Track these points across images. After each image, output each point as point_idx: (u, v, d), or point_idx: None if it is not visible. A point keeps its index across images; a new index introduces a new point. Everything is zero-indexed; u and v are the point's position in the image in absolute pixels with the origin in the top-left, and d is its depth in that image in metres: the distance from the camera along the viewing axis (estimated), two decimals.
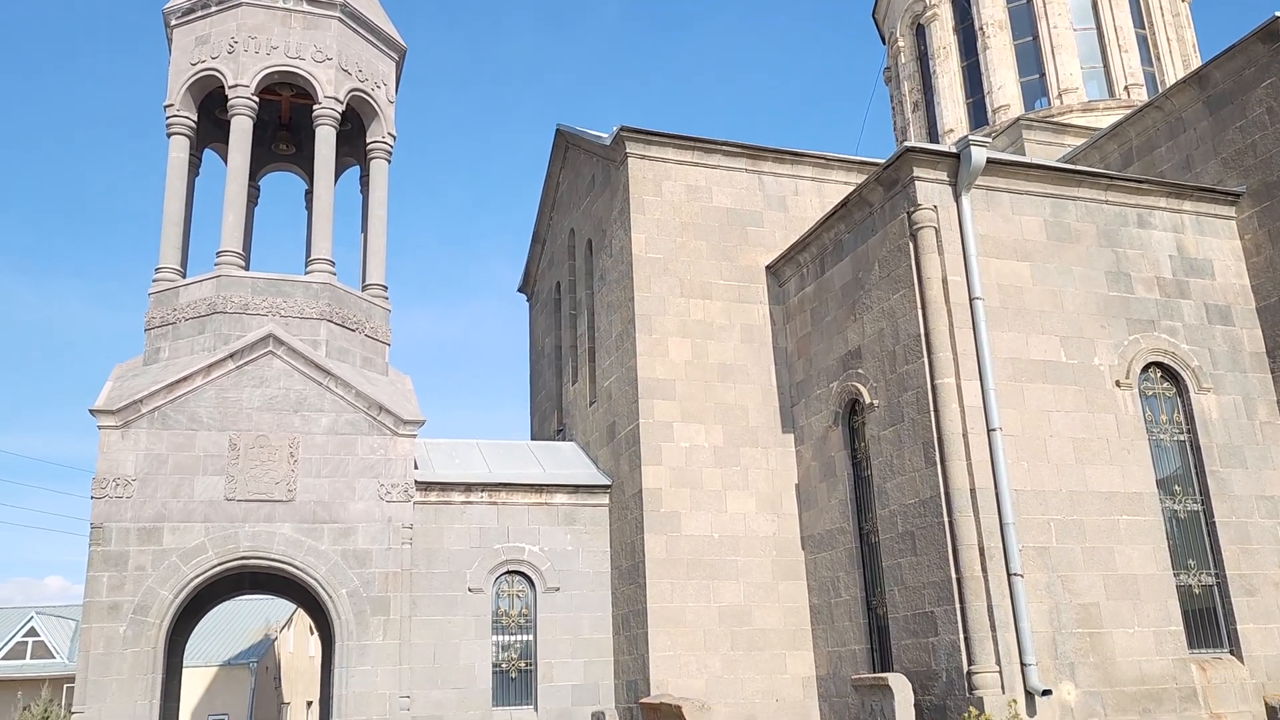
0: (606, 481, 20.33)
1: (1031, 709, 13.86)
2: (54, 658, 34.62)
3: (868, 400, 16.88)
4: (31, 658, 34.64)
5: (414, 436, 19.45)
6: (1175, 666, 14.90)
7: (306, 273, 20.42)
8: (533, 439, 26.55)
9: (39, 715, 22.87)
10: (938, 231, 15.78)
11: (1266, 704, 15.02)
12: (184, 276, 20.15)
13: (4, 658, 34.56)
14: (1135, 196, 17.36)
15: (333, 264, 20.49)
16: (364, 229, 22.28)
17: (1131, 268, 16.93)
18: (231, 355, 18.67)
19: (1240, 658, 15.35)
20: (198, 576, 17.66)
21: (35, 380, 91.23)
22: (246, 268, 20.51)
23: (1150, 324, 16.67)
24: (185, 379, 18.33)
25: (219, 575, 18.29)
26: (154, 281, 19.88)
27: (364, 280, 21.71)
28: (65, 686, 30.01)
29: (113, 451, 17.80)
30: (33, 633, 35.32)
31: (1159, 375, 16.71)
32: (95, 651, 16.86)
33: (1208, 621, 15.66)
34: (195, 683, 33.93)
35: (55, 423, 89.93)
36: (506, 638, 19.58)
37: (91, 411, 17.84)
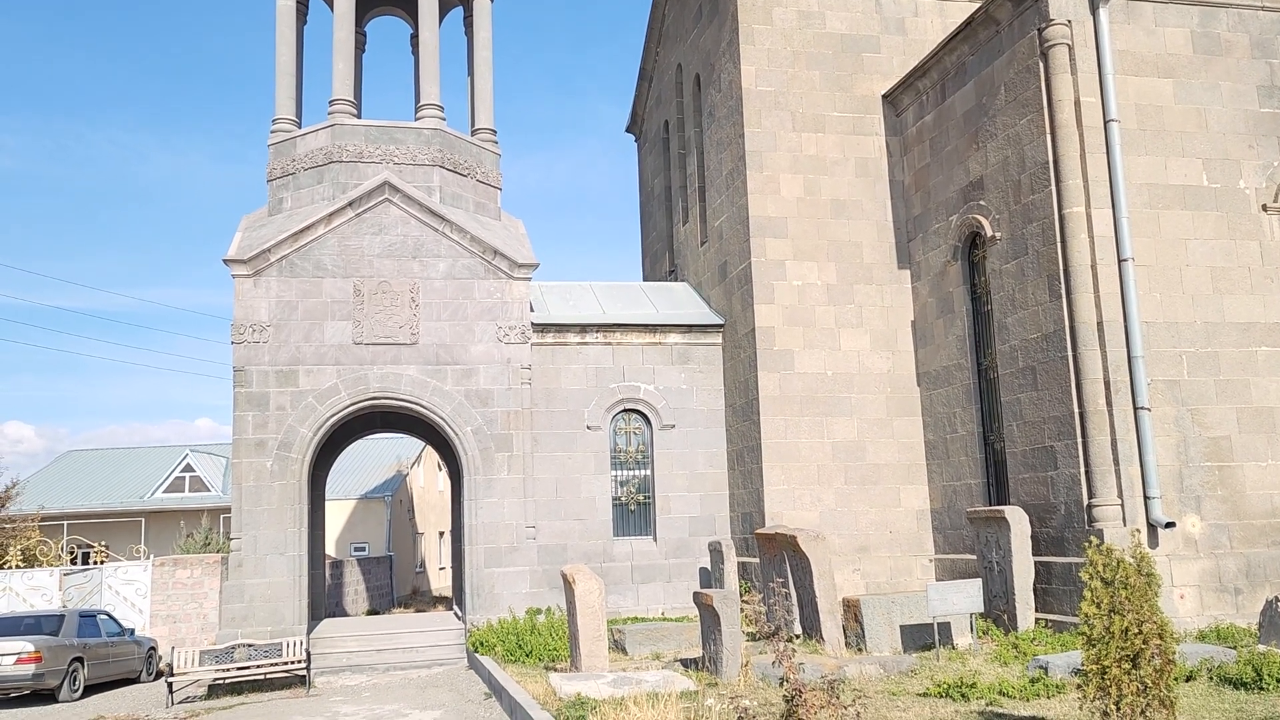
0: (719, 321, 20.41)
1: (1154, 541, 13.77)
2: (209, 491, 37.42)
3: (989, 233, 16.30)
4: (189, 491, 37.57)
5: (529, 279, 19.78)
6: None
7: (416, 119, 20.53)
8: (644, 280, 26.69)
9: (201, 541, 24.97)
10: (1071, 49, 14.76)
11: None
12: (299, 127, 20.51)
13: (165, 491, 37.56)
14: None
15: (442, 109, 20.52)
16: (470, 72, 22.13)
17: None
18: (350, 204, 19.11)
19: None
20: (333, 415, 18.68)
21: (169, 234, 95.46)
22: (359, 116, 20.73)
23: None
24: (308, 228, 18.90)
25: (352, 414, 19.31)
26: (272, 133, 20.31)
27: (472, 125, 21.72)
28: (222, 516, 32.61)
29: (247, 299, 18.66)
30: (189, 468, 38.12)
31: None
32: (246, 484, 18.18)
33: None
34: (336, 515, 36.39)
35: (191, 275, 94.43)
36: (625, 473, 20.27)
37: (225, 261, 18.65)
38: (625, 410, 20.27)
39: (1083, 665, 7.99)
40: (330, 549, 34.22)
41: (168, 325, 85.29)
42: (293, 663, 16.06)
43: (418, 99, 21.07)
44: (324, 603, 23.14)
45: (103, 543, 30.43)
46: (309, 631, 18.59)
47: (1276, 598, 12.05)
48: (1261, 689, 9.89)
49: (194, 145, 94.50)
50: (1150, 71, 15.11)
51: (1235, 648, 11.92)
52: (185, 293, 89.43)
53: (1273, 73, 15.56)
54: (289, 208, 19.78)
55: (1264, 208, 15.13)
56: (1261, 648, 11.65)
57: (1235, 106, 15.33)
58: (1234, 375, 14.61)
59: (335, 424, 19.06)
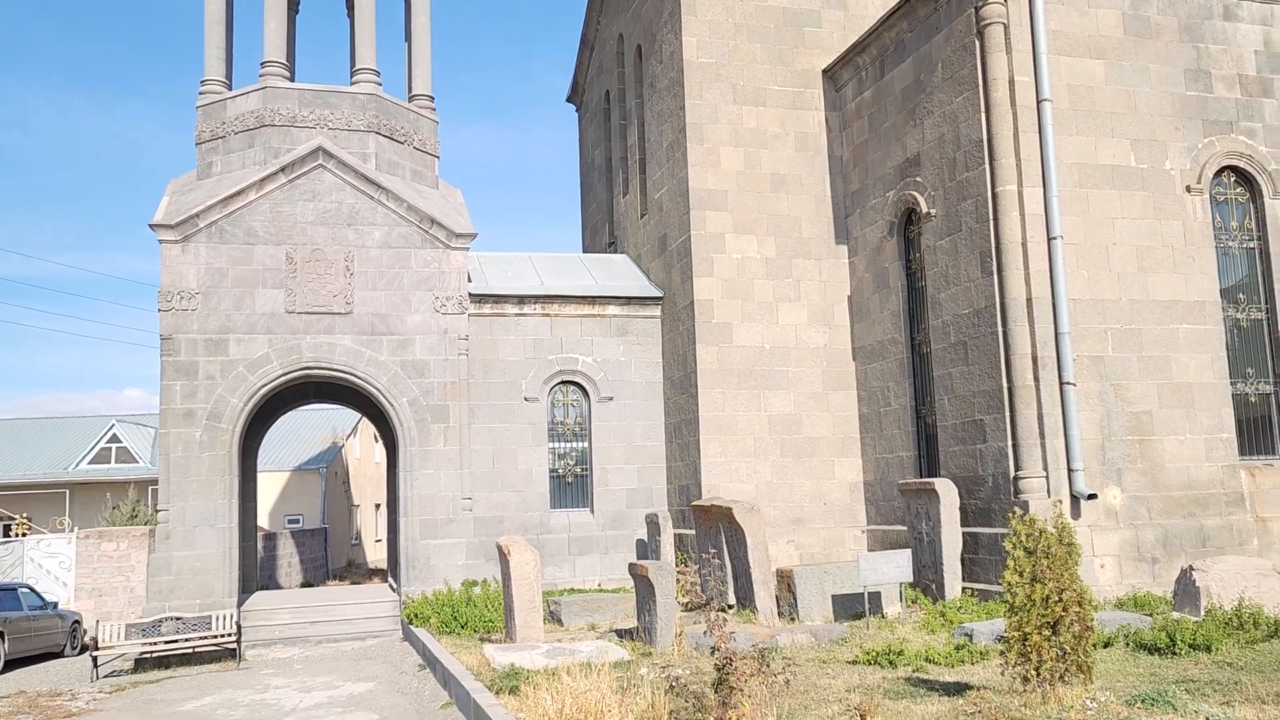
0: (658, 293, 20.42)
1: (1076, 512, 14.16)
2: (137, 462, 36.58)
3: (925, 209, 16.51)
4: (116, 462, 36.68)
5: (466, 250, 19.56)
6: (1224, 473, 15.00)
7: (352, 84, 20.11)
8: (584, 252, 26.57)
9: (127, 514, 24.40)
10: (1006, 28, 14.94)
11: None
12: (230, 89, 19.96)
13: (90, 462, 36.62)
14: None
15: (378, 74, 20.12)
16: (407, 37, 21.71)
17: (1213, 65, 15.98)
18: (283, 169, 18.68)
19: None
20: (264, 385, 18.34)
21: (105, 201, 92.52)
22: (292, 79, 20.24)
23: (1228, 125, 15.88)
24: (239, 193, 18.45)
25: (284, 385, 18.98)
26: (200, 94, 19.74)
27: (410, 91, 21.34)
28: (150, 488, 31.90)
29: (175, 265, 18.18)
30: (115, 439, 37.20)
31: (1232, 180, 16.06)
32: (174, 455, 17.79)
33: (1262, 429, 15.64)
34: (270, 487, 35.80)
35: (126, 242, 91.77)
36: (562, 445, 20.25)
37: (151, 226, 18.13)
38: (563, 382, 20.22)
39: (1006, 632, 8.21)
40: (263, 521, 33.69)
41: (96, 292, 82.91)
42: (223, 636, 15.82)
43: (353, 64, 20.63)
44: (256, 575, 22.82)
45: (24, 515, 29.64)
46: (240, 604, 18.32)
47: (1191, 567, 12.48)
48: (1175, 654, 10.25)
49: (126, 106, 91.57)
50: (1083, 52, 15.37)
51: (1151, 615, 12.34)
52: (114, 258, 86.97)
53: (1199, 57, 15.93)
54: (219, 172, 19.28)
55: (1188, 189, 15.53)
56: (1175, 615, 12.07)
57: (1163, 89, 15.67)
58: (1156, 352, 15.03)
59: (267, 394, 18.71)
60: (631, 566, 13.07)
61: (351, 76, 20.34)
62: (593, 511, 20.02)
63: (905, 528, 16.16)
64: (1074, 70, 15.26)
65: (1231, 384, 15.39)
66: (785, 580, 14.45)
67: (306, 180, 18.87)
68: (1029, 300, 14.49)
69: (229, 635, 15.83)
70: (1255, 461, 15.38)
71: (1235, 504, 14.96)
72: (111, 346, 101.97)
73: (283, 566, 29.11)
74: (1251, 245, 16.04)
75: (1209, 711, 7.63)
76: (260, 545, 25.86)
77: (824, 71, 19.48)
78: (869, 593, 13.88)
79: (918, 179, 16.78)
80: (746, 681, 7.21)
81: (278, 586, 27.35)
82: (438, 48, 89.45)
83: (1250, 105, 16.05)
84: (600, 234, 25.63)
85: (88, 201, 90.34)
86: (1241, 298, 15.89)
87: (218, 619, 15.99)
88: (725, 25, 19.21)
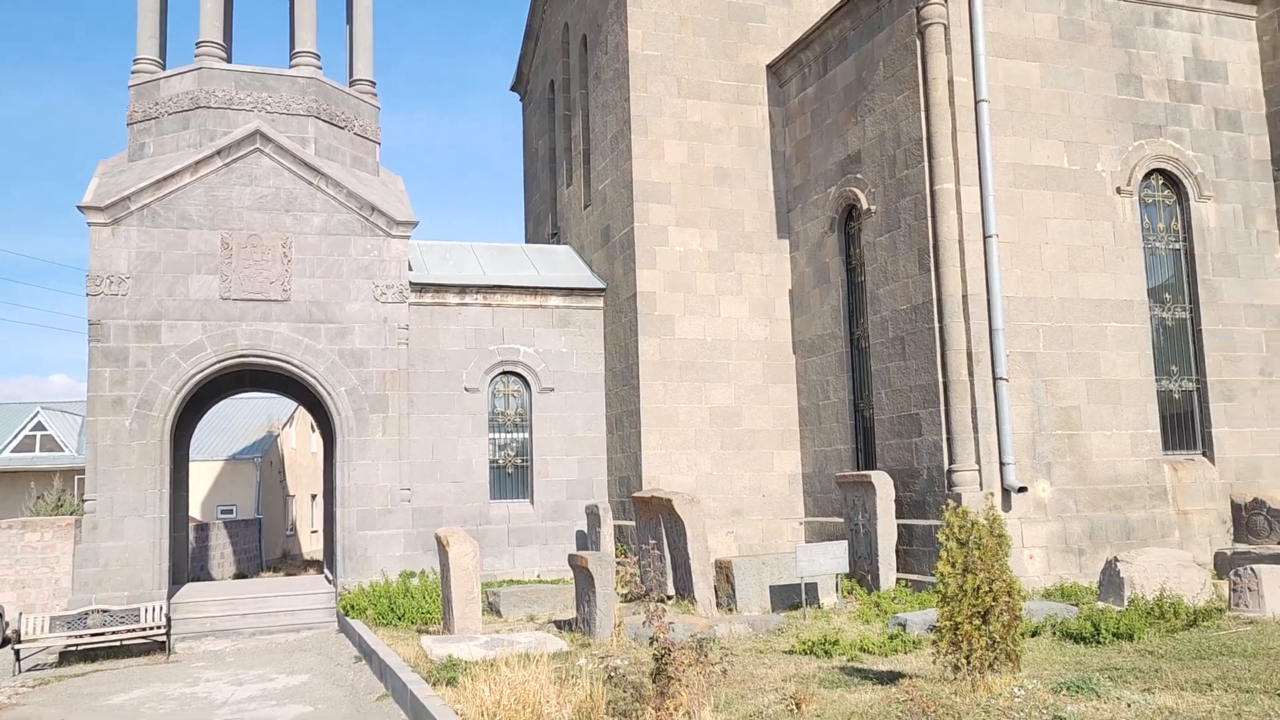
0: (600, 285, 20.40)
1: (1007, 504, 14.49)
2: (63, 451, 35.61)
3: (865, 206, 16.72)
4: (41, 450, 35.66)
5: (407, 238, 19.34)
6: (1148, 467, 15.46)
7: (291, 66, 19.75)
8: (527, 242, 26.44)
9: (52, 503, 23.74)
10: (946, 29, 15.18)
11: (1232, 501, 15.69)
12: (164, 68, 19.48)
13: (14, 450, 35.56)
14: None
15: (318, 57, 19.79)
16: (349, 20, 21.37)
17: (1143, 70, 16.41)
18: (219, 152, 18.28)
19: (1212, 459, 15.92)
20: (198, 373, 17.96)
21: (26, 179, 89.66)
22: (229, 60, 19.81)
23: (1157, 129, 16.33)
24: (173, 176, 18.02)
25: (218, 373, 18.60)
26: (133, 73, 19.23)
27: (351, 76, 21.03)
28: (75, 478, 31.03)
29: (104, 249, 17.71)
30: (40, 427, 36.14)
31: (1160, 182, 16.52)
32: (103, 443, 17.35)
33: (1184, 425, 16.14)
34: (202, 476, 35.07)
35: (50, 223, 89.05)
36: (503, 435, 20.15)
37: (80, 208, 17.63)
38: (504, 373, 20.12)
39: (938, 622, 8.38)
40: (195, 511, 33.02)
41: (20, 275, 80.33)
42: (152, 628, 15.50)
43: (292, 46, 20.23)
44: (187, 567, 22.37)
45: None
46: (170, 596, 17.95)
47: (1115, 558, 12.86)
48: (1099, 643, 10.56)
49: (52, 81, 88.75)
50: (1019, 54, 15.67)
51: (1077, 605, 12.69)
52: (40, 240, 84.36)
53: (1130, 62, 16.35)
54: (151, 154, 18.81)
55: (1118, 190, 15.94)
56: (1100, 605, 12.44)
57: (1096, 92, 16.06)
58: (1085, 349, 15.43)
59: (200, 382, 18.33)
60: (571, 558, 13.08)
61: (291, 59, 19.96)
62: (533, 503, 19.97)
63: (842, 519, 16.39)
64: (1011, 72, 15.56)
65: (1156, 381, 15.86)
66: (724, 571, 14.57)
67: (243, 164, 18.50)
68: (965, 297, 14.76)
69: (158, 628, 15.51)
70: (1178, 456, 15.88)
71: (1158, 497, 15.44)
72: (36, 331, 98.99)
73: (215, 558, 28.56)
74: (1177, 246, 16.53)
75: (1131, 698, 7.88)
76: (192, 536, 25.36)
77: (768, 67, 19.60)
78: (806, 584, 14.06)
79: (858, 175, 16.99)
80: (684, 671, 7.26)
81: (210, 578, 26.84)
82: (380, 31, 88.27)
83: (1179, 110, 16.51)
84: (543, 225, 25.52)
85: (10, 181, 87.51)
86: (1167, 297, 16.37)
87: (147, 611, 15.66)
88: (670, 18, 19.23)
